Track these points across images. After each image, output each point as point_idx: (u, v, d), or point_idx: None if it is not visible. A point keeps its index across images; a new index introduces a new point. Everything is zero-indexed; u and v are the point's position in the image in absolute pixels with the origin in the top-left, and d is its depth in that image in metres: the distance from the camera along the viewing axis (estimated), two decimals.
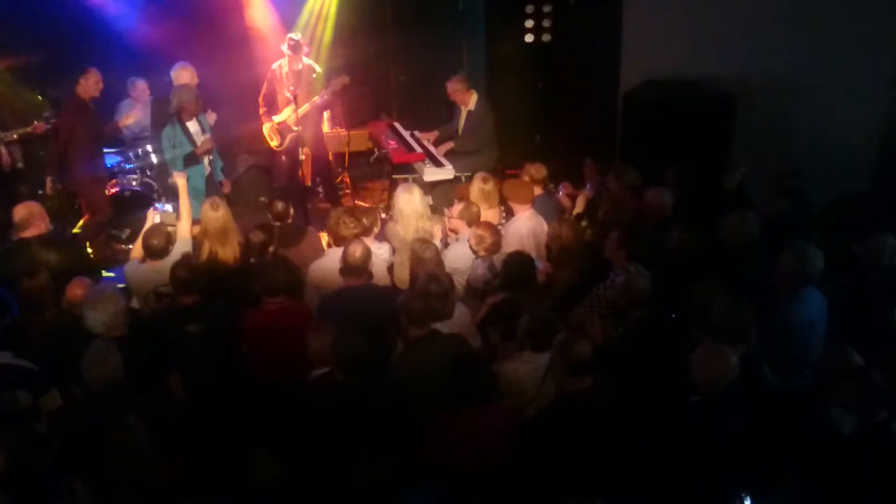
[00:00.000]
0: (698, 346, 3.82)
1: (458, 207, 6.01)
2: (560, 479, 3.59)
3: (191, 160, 6.76)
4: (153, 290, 5.10)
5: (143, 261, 5.38)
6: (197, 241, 5.58)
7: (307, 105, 7.95)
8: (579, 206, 6.59)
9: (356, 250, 4.88)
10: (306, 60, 8.18)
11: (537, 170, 6.44)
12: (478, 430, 3.72)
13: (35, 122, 7.17)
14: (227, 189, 7.25)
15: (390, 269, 5.81)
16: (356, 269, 4.88)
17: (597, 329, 4.56)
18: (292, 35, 8.19)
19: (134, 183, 7.80)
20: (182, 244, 5.43)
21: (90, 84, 7.06)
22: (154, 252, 5.22)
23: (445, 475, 3.69)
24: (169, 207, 6.92)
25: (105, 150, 7.90)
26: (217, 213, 5.43)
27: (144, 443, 3.45)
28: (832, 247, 4.97)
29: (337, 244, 5.44)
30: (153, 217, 5.91)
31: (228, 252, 5.41)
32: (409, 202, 5.86)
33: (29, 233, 5.37)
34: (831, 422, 3.61)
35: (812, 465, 3.63)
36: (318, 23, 9.32)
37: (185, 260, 4.90)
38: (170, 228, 5.64)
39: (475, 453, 3.70)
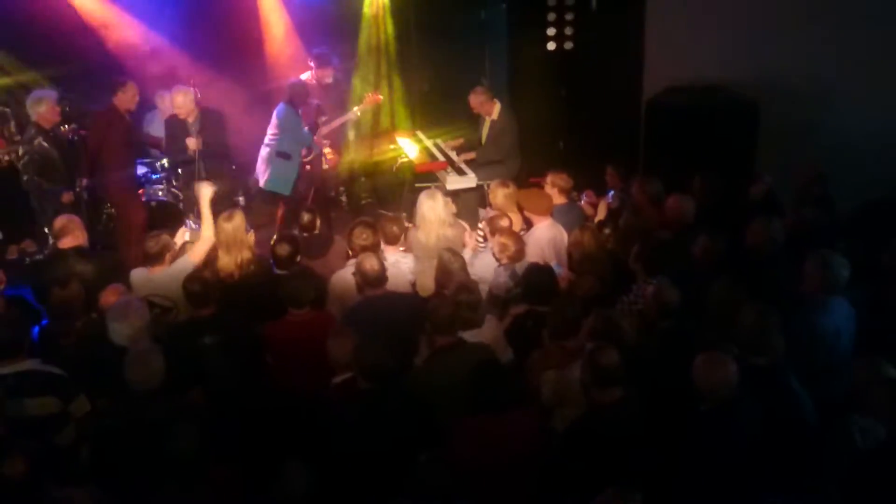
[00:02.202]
0: (699, 356, 3.78)
1: (488, 216, 6.02)
2: (588, 490, 3.58)
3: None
4: (146, 297, 5.01)
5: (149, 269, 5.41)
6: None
7: (332, 124, 8.08)
8: (601, 214, 6.57)
9: (373, 264, 4.89)
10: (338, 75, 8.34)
11: (563, 179, 6.40)
12: (501, 436, 3.71)
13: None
14: None
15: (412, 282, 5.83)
16: (374, 281, 4.90)
17: (632, 326, 4.55)
18: (319, 49, 8.32)
19: (160, 193, 7.90)
20: (184, 263, 5.29)
21: (128, 97, 7.20)
22: (149, 256, 5.23)
23: (468, 481, 3.66)
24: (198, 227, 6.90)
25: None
26: (226, 225, 5.42)
27: (196, 449, 3.49)
28: (858, 253, 4.92)
29: (354, 255, 5.47)
30: (184, 234, 5.89)
31: (229, 262, 5.37)
32: (433, 209, 5.87)
33: (66, 243, 5.44)
34: (857, 433, 3.57)
35: (842, 475, 3.59)
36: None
37: (197, 273, 4.90)
38: (188, 245, 5.70)
39: (498, 460, 3.69)
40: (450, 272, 5.05)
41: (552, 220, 6.07)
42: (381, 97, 8.27)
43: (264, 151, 7.58)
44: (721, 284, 4.52)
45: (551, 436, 3.92)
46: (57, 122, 6.91)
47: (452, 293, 4.57)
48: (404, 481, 3.34)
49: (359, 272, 4.94)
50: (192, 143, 7.20)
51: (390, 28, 9.44)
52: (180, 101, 7.21)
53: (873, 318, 4.62)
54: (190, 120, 7.28)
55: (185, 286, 4.78)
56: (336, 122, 8.16)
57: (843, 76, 7.41)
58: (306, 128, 7.58)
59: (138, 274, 5.33)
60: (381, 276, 4.91)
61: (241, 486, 3.61)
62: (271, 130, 7.54)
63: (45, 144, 6.71)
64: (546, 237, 5.93)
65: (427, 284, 5.67)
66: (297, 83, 7.61)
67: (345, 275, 5.37)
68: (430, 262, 5.61)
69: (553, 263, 5.58)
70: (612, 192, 6.83)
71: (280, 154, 7.44)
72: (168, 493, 3.47)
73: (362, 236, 5.42)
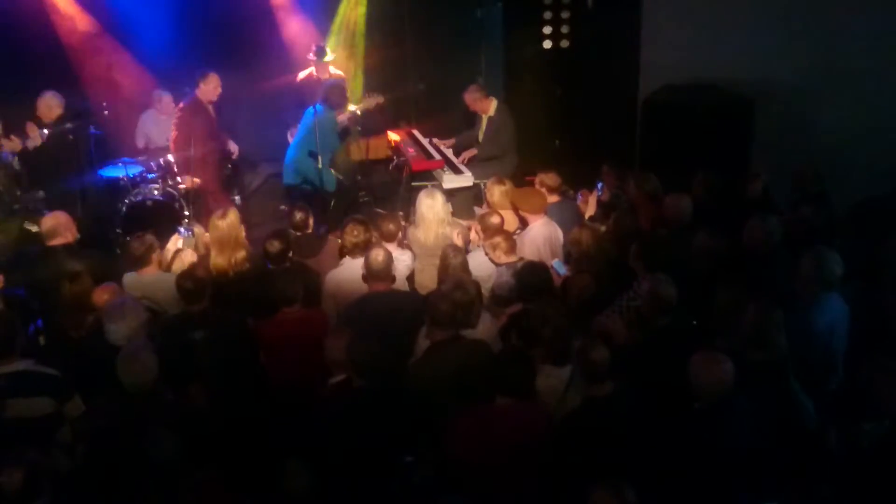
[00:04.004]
0: (695, 354, 3.79)
1: (479, 214, 6.01)
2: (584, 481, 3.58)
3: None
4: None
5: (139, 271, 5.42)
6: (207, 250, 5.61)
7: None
8: (591, 209, 6.55)
9: (378, 255, 4.89)
10: (335, 71, 8.31)
11: (551, 178, 6.41)
12: (511, 423, 3.74)
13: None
14: None
15: (411, 276, 5.81)
16: (379, 274, 4.89)
17: (619, 326, 4.54)
18: (318, 45, 8.34)
19: (156, 192, 7.87)
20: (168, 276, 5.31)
21: (210, 87, 7.34)
22: (135, 259, 5.24)
23: (472, 470, 3.70)
24: (190, 233, 6.55)
25: (126, 161, 8.03)
26: (219, 223, 5.43)
27: (175, 456, 3.46)
28: (855, 251, 4.91)
29: (344, 252, 5.46)
30: (176, 241, 5.82)
31: (221, 262, 5.37)
32: (432, 208, 5.87)
33: (56, 241, 5.44)
34: (863, 429, 3.57)
35: (844, 472, 3.59)
36: (349, 30, 9.51)
37: (190, 270, 4.90)
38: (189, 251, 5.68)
39: (504, 448, 3.71)
40: (450, 269, 5.05)
41: (547, 219, 6.06)
42: (381, 99, 8.27)
43: (297, 153, 7.53)
44: (723, 282, 4.51)
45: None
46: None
47: (447, 290, 4.57)
48: (390, 484, 3.34)
49: (365, 263, 4.94)
50: (8, 144, 6.97)
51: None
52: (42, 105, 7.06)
53: (870, 316, 4.62)
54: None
55: (178, 283, 4.78)
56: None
57: (839, 74, 7.41)
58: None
59: (129, 278, 5.33)
60: (386, 270, 4.89)
61: (227, 492, 3.58)
62: (303, 130, 7.50)
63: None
64: (542, 236, 5.92)
65: (426, 282, 5.67)
66: (335, 84, 7.53)
67: (338, 274, 5.36)
68: (429, 261, 5.62)
69: (555, 261, 5.56)
70: (600, 185, 6.79)
71: (311, 154, 7.38)
72: (148, 500, 3.44)
73: (353, 233, 5.40)
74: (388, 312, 4.79)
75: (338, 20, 9.57)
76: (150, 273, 5.26)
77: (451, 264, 5.08)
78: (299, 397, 4.35)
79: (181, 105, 7.52)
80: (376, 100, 8.19)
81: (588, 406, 3.83)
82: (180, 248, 5.81)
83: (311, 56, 8.41)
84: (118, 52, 8.83)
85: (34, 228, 6.62)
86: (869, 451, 3.59)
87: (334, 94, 7.48)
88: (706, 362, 3.72)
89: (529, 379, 3.85)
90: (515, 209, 6.21)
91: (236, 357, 4.64)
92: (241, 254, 5.42)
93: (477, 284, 4.90)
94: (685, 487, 3.64)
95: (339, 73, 8.55)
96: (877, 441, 3.58)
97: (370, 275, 4.91)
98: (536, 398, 3.99)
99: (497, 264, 5.33)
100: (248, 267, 5.41)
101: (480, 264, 5.47)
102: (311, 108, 7.44)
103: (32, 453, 3.42)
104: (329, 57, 8.38)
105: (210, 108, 7.45)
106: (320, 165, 7.40)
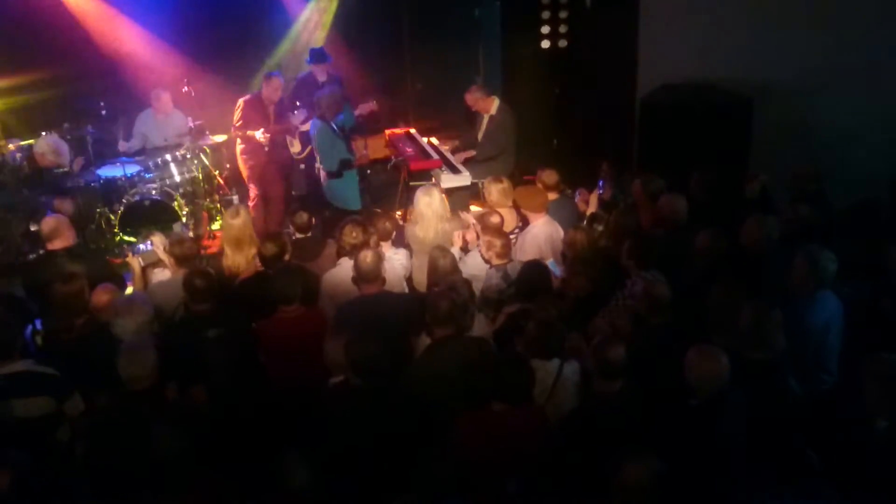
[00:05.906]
0: (691, 349, 3.82)
1: (478, 213, 6.02)
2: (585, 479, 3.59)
3: (347, 165, 7.18)
4: (183, 301, 4.99)
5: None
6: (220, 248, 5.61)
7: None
8: (592, 206, 6.56)
9: (366, 257, 4.87)
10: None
11: (549, 175, 6.42)
12: (510, 428, 3.75)
13: None
14: None
15: (408, 277, 5.81)
16: (369, 275, 4.87)
17: (625, 324, 4.59)
18: (313, 47, 8.33)
19: (153, 192, 7.87)
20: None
21: (271, 89, 7.71)
22: (183, 258, 5.24)
23: (474, 473, 3.71)
24: (149, 246, 6.18)
25: (124, 160, 8.04)
26: (233, 222, 5.44)
27: (174, 455, 3.45)
28: (852, 251, 4.92)
29: (342, 253, 5.46)
30: (137, 262, 5.68)
31: (240, 260, 5.40)
32: (430, 205, 5.88)
33: (56, 245, 5.46)
34: (867, 426, 3.59)
35: (843, 471, 3.60)
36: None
37: (199, 269, 4.91)
38: (157, 270, 5.62)
39: (506, 452, 3.73)
40: (438, 270, 5.06)
41: (548, 217, 6.07)
42: (376, 105, 8.26)
43: (317, 169, 7.46)
44: (722, 282, 4.52)
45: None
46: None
47: (443, 290, 4.57)
48: (411, 476, 3.34)
49: (355, 266, 4.92)
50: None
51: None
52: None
53: (868, 315, 4.63)
54: None
55: (188, 281, 4.79)
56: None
57: (837, 74, 7.41)
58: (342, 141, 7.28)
59: (159, 286, 5.34)
60: (375, 271, 4.87)
61: (226, 493, 3.57)
62: (315, 149, 7.39)
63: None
64: (543, 234, 5.93)
65: (423, 280, 5.67)
66: (327, 95, 7.27)
67: (335, 274, 5.36)
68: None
69: (550, 261, 5.58)
70: (602, 182, 6.80)
71: (330, 175, 7.18)
72: (148, 499, 3.44)
73: (352, 234, 5.40)
74: (381, 315, 4.77)
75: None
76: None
77: (440, 265, 5.09)
78: (298, 396, 4.35)
79: (245, 98, 7.85)
80: (370, 107, 8.19)
81: (598, 402, 3.88)
82: (147, 264, 5.68)
83: (307, 60, 8.43)
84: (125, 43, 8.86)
85: (34, 228, 6.68)
86: (868, 451, 3.60)
87: (324, 105, 7.23)
88: (702, 357, 3.75)
89: (528, 386, 3.85)
90: (517, 207, 6.22)
91: (244, 356, 4.64)
92: (254, 251, 5.43)
93: (468, 284, 4.90)
94: (682, 482, 3.65)
95: (336, 74, 8.54)
96: (876, 440, 3.59)
97: (360, 277, 4.89)
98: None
99: (489, 264, 5.34)
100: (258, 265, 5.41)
101: (479, 264, 5.48)
102: (315, 123, 7.26)
103: (21, 455, 3.41)
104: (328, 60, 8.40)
105: (271, 107, 7.81)
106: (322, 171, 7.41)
